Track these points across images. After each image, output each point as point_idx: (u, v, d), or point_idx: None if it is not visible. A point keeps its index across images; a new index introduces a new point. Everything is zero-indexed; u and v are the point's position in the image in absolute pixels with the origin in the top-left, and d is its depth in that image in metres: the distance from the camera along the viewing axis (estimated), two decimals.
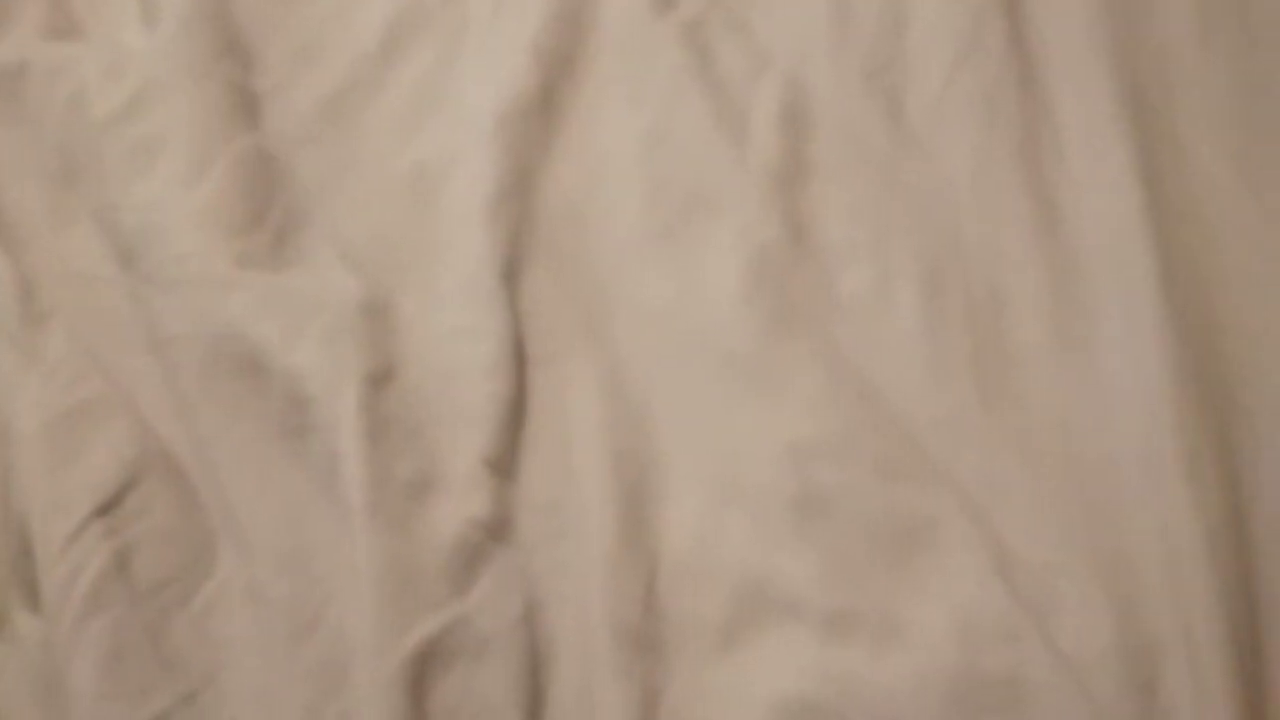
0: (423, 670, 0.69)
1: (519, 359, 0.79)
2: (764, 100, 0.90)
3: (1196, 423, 0.71)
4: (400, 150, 0.91)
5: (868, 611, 0.68)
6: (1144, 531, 0.69)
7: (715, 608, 0.70)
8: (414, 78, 0.95)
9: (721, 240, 0.83)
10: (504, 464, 0.75)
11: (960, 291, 0.79)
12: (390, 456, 0.74)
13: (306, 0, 1.02)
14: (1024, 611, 0.66)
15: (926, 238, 0.82)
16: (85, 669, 0.72)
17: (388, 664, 0.68)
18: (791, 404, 0.75)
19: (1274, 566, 0.68)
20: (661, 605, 0.70)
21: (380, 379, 0.77)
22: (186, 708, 0.72)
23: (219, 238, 0.83)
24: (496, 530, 0.73)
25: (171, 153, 0.89)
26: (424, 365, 0.79)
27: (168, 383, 0.79)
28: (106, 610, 0.73)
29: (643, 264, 0.84)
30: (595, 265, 0.84)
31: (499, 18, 0.97)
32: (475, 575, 0.71)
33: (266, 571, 0.72)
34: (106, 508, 0.75)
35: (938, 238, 0.82)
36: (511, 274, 0.83)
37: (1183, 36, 0.87)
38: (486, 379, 0.77)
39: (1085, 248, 0.79)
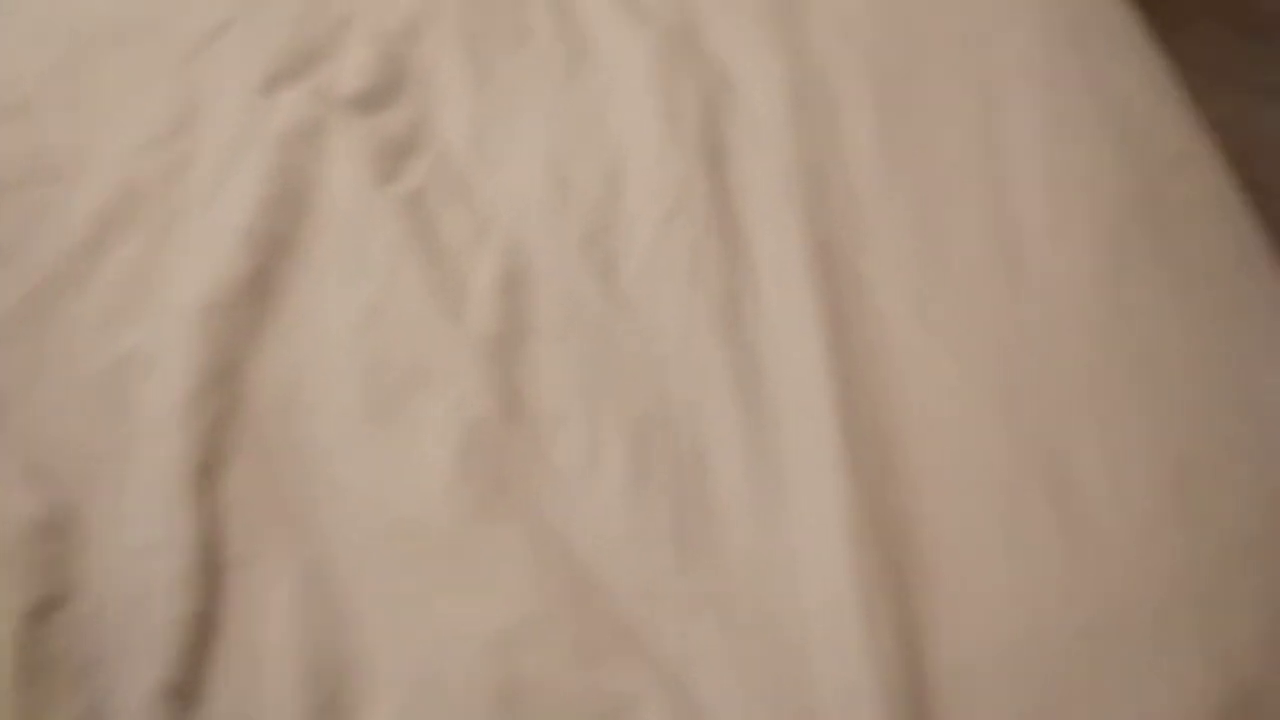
0: None
1: (212, 569, 0.75)
2: (483, 267, 0.90)
3: (873, 574, 0.72)
4: (100, 347, 0.87)
5: None
6: (826, 691, 0.68)
7: None
8: (118, 271, 0.91)
9: (435, 417, 0.82)
10: (187, 689, 0.70)
11: (666, 452, 0.79)
12: (51, 700, 0.68)
13: (16, 193, 0.98)
14: None
15: (636, 400, 0.82)
16: None
17: None
18: (493, 590, 0.73)
19: (953, 711, 0.67)
20: None
21: (48, 609, 0.72)
22: None
23: None
24: None
25: None
26: (109, 586, 0.74)
27: None
28: None
29: (354, 447, 0.81)
30: (304, 453, 0.81)
31: (215, 201, 0.95)
32: None
33: None
34: None
35: (647, 399, 0.82)
36: (209, 473, 0.79)
37: (869, 186, 0.91)
38: (170, 596, 0.73)
39: (779, 402, 0.80)
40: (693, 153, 0.94)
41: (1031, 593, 0.71)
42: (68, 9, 1.10)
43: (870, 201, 0.89)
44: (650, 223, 0.91)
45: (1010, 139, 0.92)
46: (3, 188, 0.98)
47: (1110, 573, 0.71)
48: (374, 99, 1.01)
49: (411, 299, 0.88)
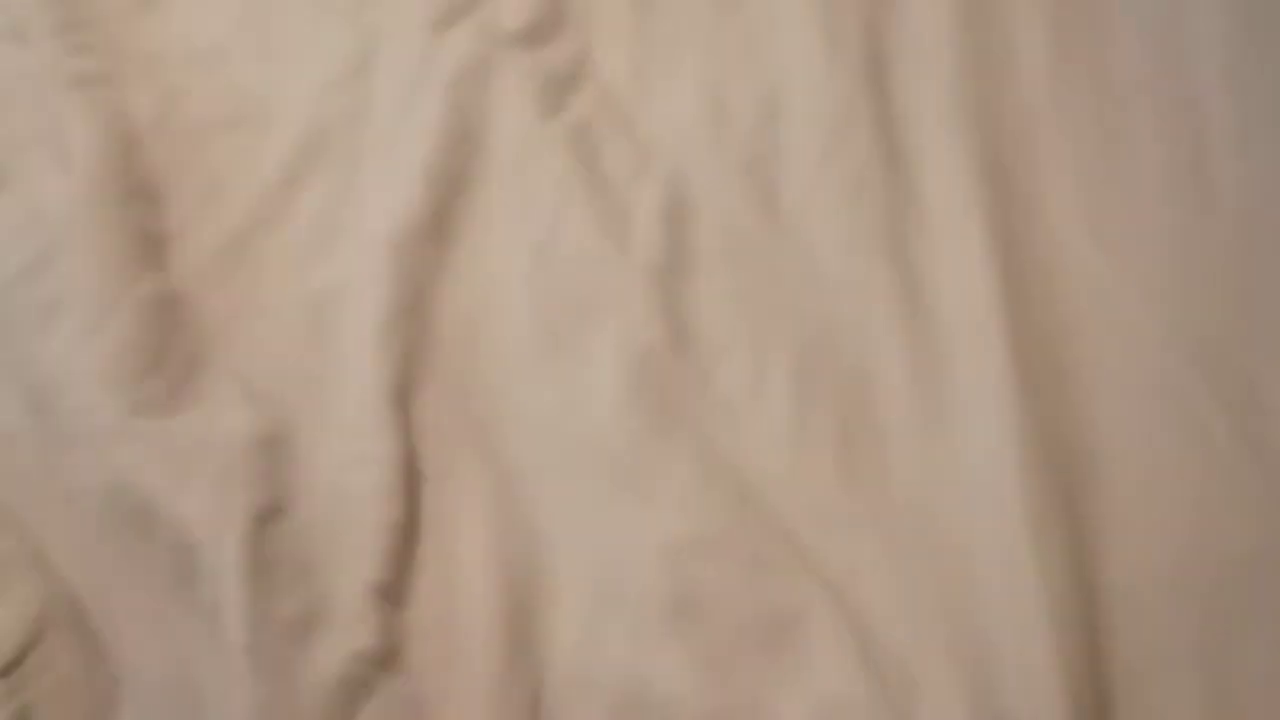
0: None
1: (411, 480, 0.81)
2: (646, 198, 0.93)
3: (1044, 495, 0.72)
4: (299, 282, 0.94)
5: (739, 708, 0.70)
6: (995, 608, 0.70)
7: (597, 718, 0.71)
8: (313, 208, 0.98)
9: (604, 346, 0.86)
10: (394, 590, 0.77)
11: (829, 375, 0.81)
12: (273, 597, 0.76)
13: (216, 136, 1.06)
14: (885, 702, 0.68)
15: (799, 324, 0.84)
16: None
17: None
18: (666, 505, 0.77)
19: (1121, 631, 0.69)
20: None
21: (268, 517, 0.79)
22: None
23: (118, 387, 0.86)
24: (384, 660, 0.74)
25: (77, 304, 0.92)
26: (317, 497, 0.81)
27: (74, 535, 0.81)
28: None
29: (530, 376, 0.86)
30: (486, 380, 0.87)
31: (395, 141, 1.01)
32: (357, 709, 0.73)
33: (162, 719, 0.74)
34: (8, 669, 0.77)
35: (810, 323, 0.84)
36: (404, 396, 0.85)
37: (1040, 99, 0.90)
38: (377, 505, 0.79)
39: (946, 321, 0.81)
40: (855, 78, 0.94)
41: (1213, 518, 0.71)
42: None
43: (1043, 118, 0.88)
44: (810, 150, 0.92)
45: (1194, 53, 0.89)
46: (203, 131, 1.06)
47: None
48: (537, 34, 1.05)
49: (578, 232, 0.92)
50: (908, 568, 0.73)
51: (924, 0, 0.98)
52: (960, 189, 0.86)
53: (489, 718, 0.72)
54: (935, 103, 0.92)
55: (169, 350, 0.90)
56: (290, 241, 0.97)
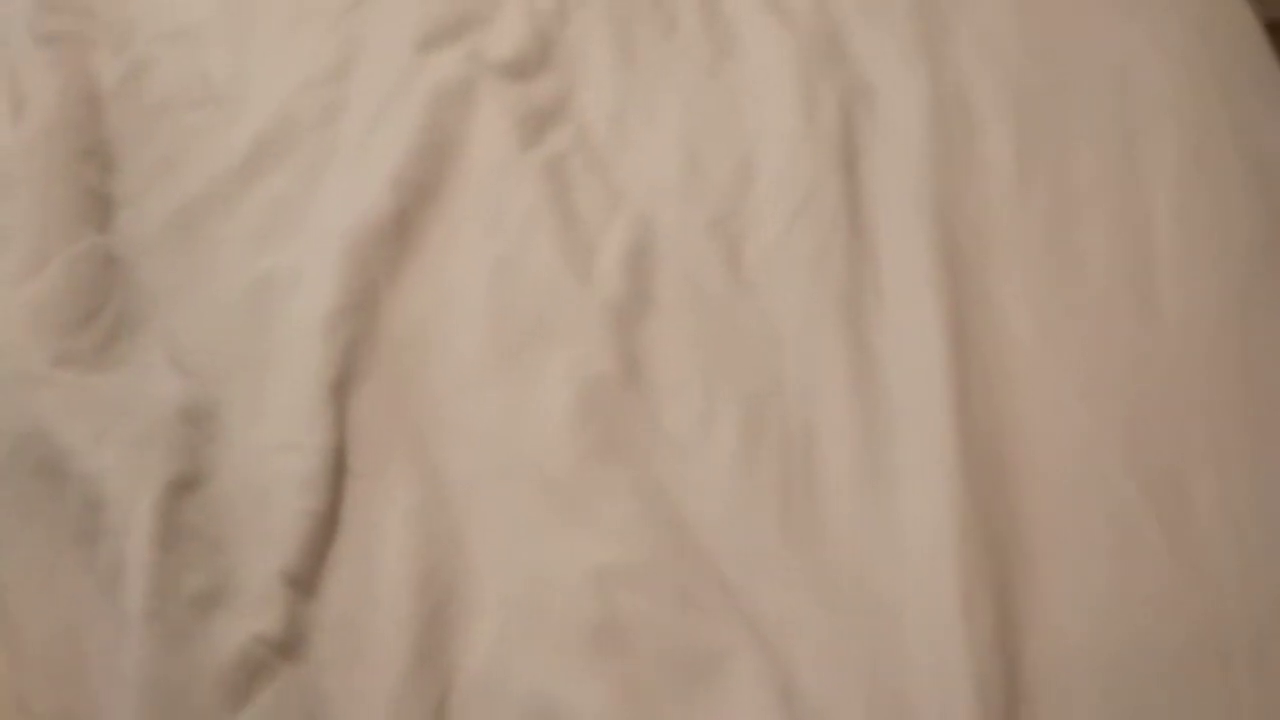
0: None
1: (338, 474, 0.79)
2: (613, 237, 0.93)
3: (976, 566, 0.73)
4: (247, 263, 0.92)
5: None
6: (920, 668, 0.70)
7: None
8: (271, 196, 0.96)
9: (556, 369, 0.85)
10: (305, 579, 0.74)
11: (776, 429, 0.81)
12: (180, 567, 0.72)
13: (179, 112, 1.04)
14: None
15: (752, 377, 0.84)
16: None
17: None
18: (601, 531, 0.76)
19: (1038, 703, 0.69)
20: None
21: (186, 487, 0.76)
22: None
23: (42, 335, 0.83)
24: (287, 647, 0.71)
25: (13, 249, 0.88)
26: (240, 476, 0.78)
27: None
28: None
29: (477, 387, 0.85)
30: (431, 385, 0.85)
31: (366, 145, 1.00)
32: (253, 692, 0.69)
33: (37, 682, 0.69)
34: None
35: (762, 377, 0.84)
36: (342, 389, 0.83)
37: (1001, 200, 0.93)
38: (299, 494, 0.77)
39: (894, 393, 0.82)
40: (827, 153, 0.97)
41: (1133, 605, 0.72)
42: None
43: (1002, 218, 0.91)
44: (778, 214, 0.94)
45: (1147, 173, 0.93)
46: (166, 105, 1.04)
47: (1213, 597, 0.72)
48: (523, 68, 1.05)
49: (542, 257, 0.92)
50: (836, 622, 0.72)
51: (898, 92, 1.02)
52: (918, 270, 0.88)
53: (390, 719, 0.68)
54: (900, 186, 0.94)
55: (101, 309, 0.87)
56: (241, 224, 0.95)
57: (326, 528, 0.76)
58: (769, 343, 0.86)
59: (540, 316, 0.88)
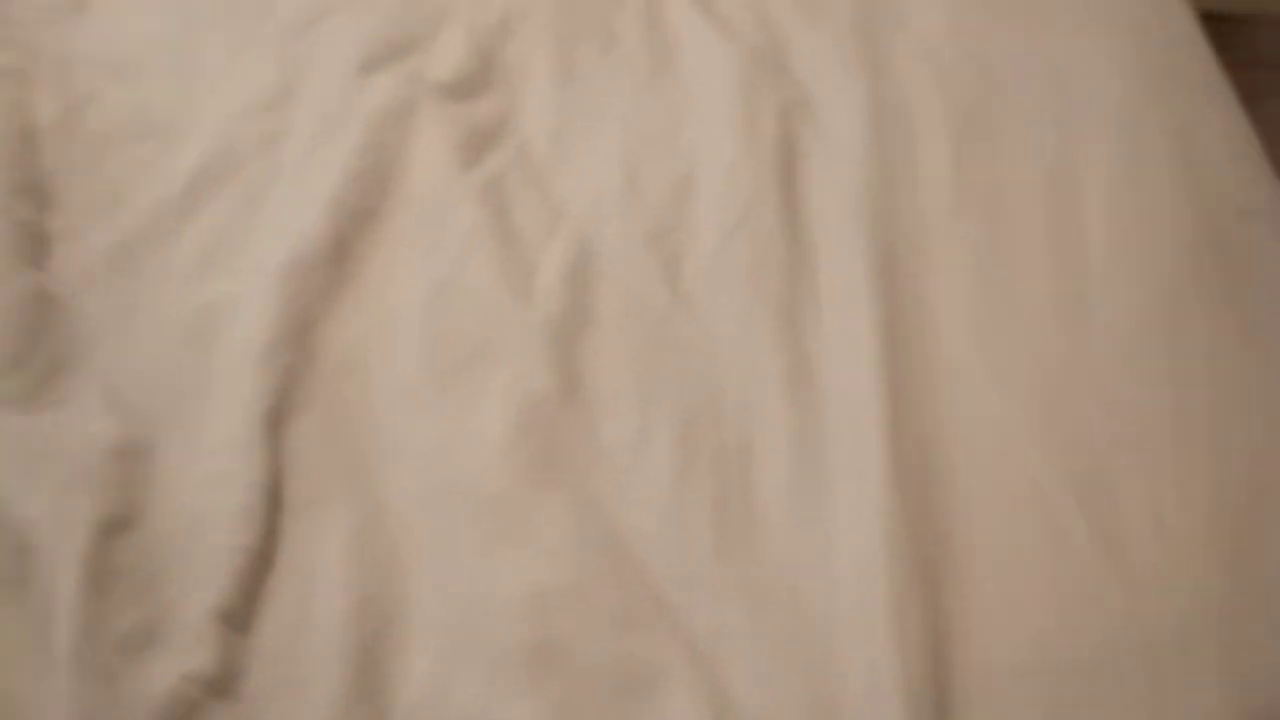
0: None
1: (273, 506, 0.78)
2: (552, 255, 0.93)
3: (906, 577, 0.73)
4: (186, 296, 0.92)
5: None
6: (852, 680, 0.70)
7: None
8: (211, 226, 0.96)
9: (494, 390, 0.85)
10: (238, 616, 0.73)
11: (712, 442, 0.81)
12: (109, 608, 0.72)
13: (120, 146, 1.04)
14: None
15: (689, 391, 0.84)
16: None
17: None
18: (537, 551, 0.76)
19: (971, 712, 0.69)
20: None
21: (116, 527, 0.76)
22: None
23: None
24: (220, 685, 0.70)
25: None
26: (173, 512, 0.78)
27: None
28: None
29: (415, 411, 0.85)
30: (369, 411, 0.85)
31: (306, 169, 1.00)
32: None
33: None
34: None
35: (699, 391, 0.84)
36: (278, 420, 0.83)
37: (937, 209, 0.93)
38: (233, 528, 0.76)
39: (829, 404, 0.82)
40: (766, 165, 0.97)
41: (1059, 604, 0.72)
42: None
43: (938, 227, 0.92)
44: (717, 228, 0.94)
45: (1081, 177, 0.94)
46: (107, 141, 1.04)
47: (1138, 593, 0.73)
48: (463, 88, 1.06)
49: (481, 278, 0.92)
50: (771, 637, 0.72)
51: (838, 102, 1.02)
52: (854, 281, 0.88)
53: None
54: (839, 198, 0.95)
55: (34, 350, 0.86)
56: (181, 256, 0.95)
57: (261, 562, 0.76)
58: (707, 356, 0.87)
59: (479, 337, 0.88)
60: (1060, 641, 0.71)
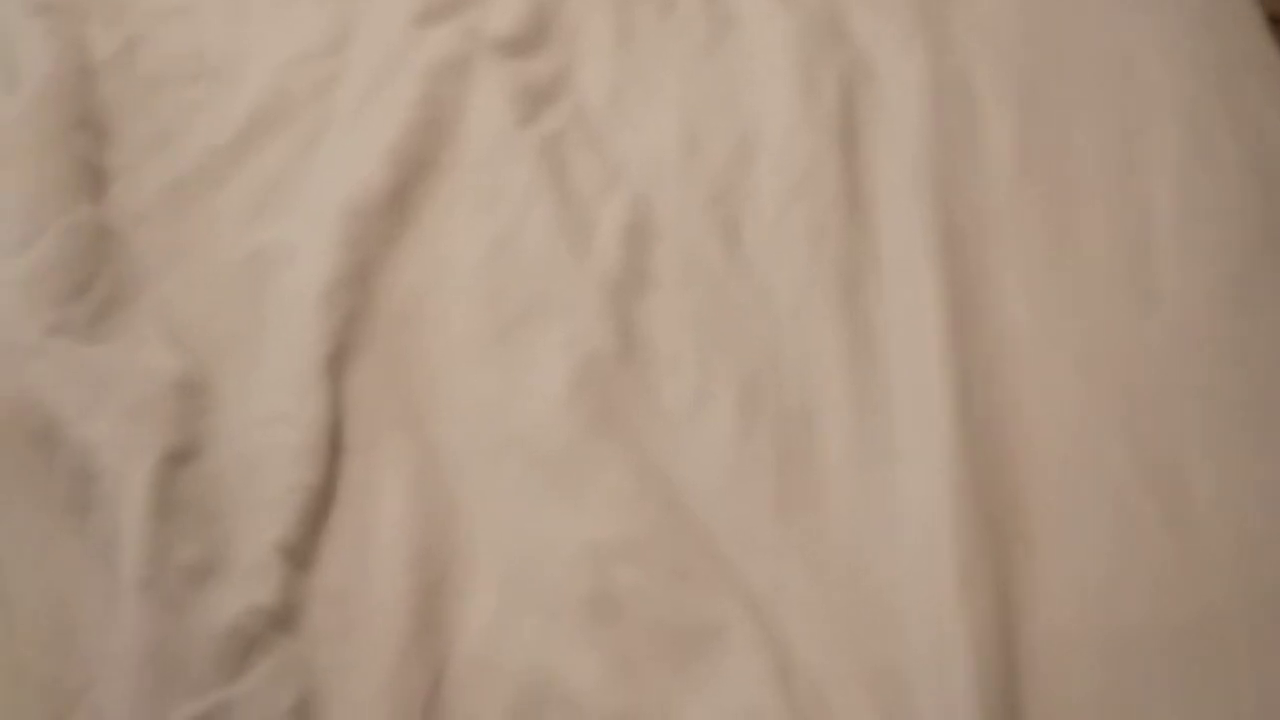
0: None
1: (332, 447, 0.78)
2: (610, 214, 0.93)
3: (974, 545, 0.73)
4: (241, 236, 0.91)
5: (646, 712, 0.68)
6: (917, 644, 0.70)
7: (498, 709, 0.68)
8: (265, 170, 0.96)
9: (552, 345, 0.85)
10: (299, 552, 0.73)
11: (773, 405, 0.81)
12: (175, 537, 0.72)
13: (174, 86, 1.03)
14: (795, 719, 0.66)
15: (749, 353, 0.84)
16: None
17: None
18: (595, 505, 0.75)
19: (1036, 680, 0.69)
20: (445, 706, 0.69)
21: (180, 458, 0.75)
22: None
23: (35, 305, 0.82)
24: (281, 619, 0.71)
25: (5, 220, 0.88)
26: (233, 448, 0.78)
27: None
28: None
29: (473, 362, 0.84)
30: (426, 360, 0.85)
31: (361, 118, 0.99)
32: (248, 663, 0.68)
33: (30, 650, 0.69)
34: None
35: (758, 354, 0.84)
36: (337, 363, 0.83)
37: (1000, 185, 0.92)
38: (293, 466, 0.76)
39: (892, 370, 0.82)
40: (826, 132, 0.96)
41: (1131, 585, 0.72)
42: None
43: (1002, 200, 0.91)
44: (777, 192, 0.94)
45: (1147, 161, 0.93)
46: (161, 79, 1.03)
47: (1211, 581, 0.72)
48: (521, 44, 1.05)
49: (539, 233, 0.92)
50: (832, 597, 0.72)
51: (898, 72, 1.01)
52: (917, 249, 0.88)
53: (386, 694, 0.68)
54: (900, 166, 0.94)
55: (95, 280, 0.86)
56: (236, 198, 0.94)
57: (321, 501, 0.76)
58: (767, 319, 0.86)
59: (537, 292, 0.88)
60: (1129, 621, 0.70)
